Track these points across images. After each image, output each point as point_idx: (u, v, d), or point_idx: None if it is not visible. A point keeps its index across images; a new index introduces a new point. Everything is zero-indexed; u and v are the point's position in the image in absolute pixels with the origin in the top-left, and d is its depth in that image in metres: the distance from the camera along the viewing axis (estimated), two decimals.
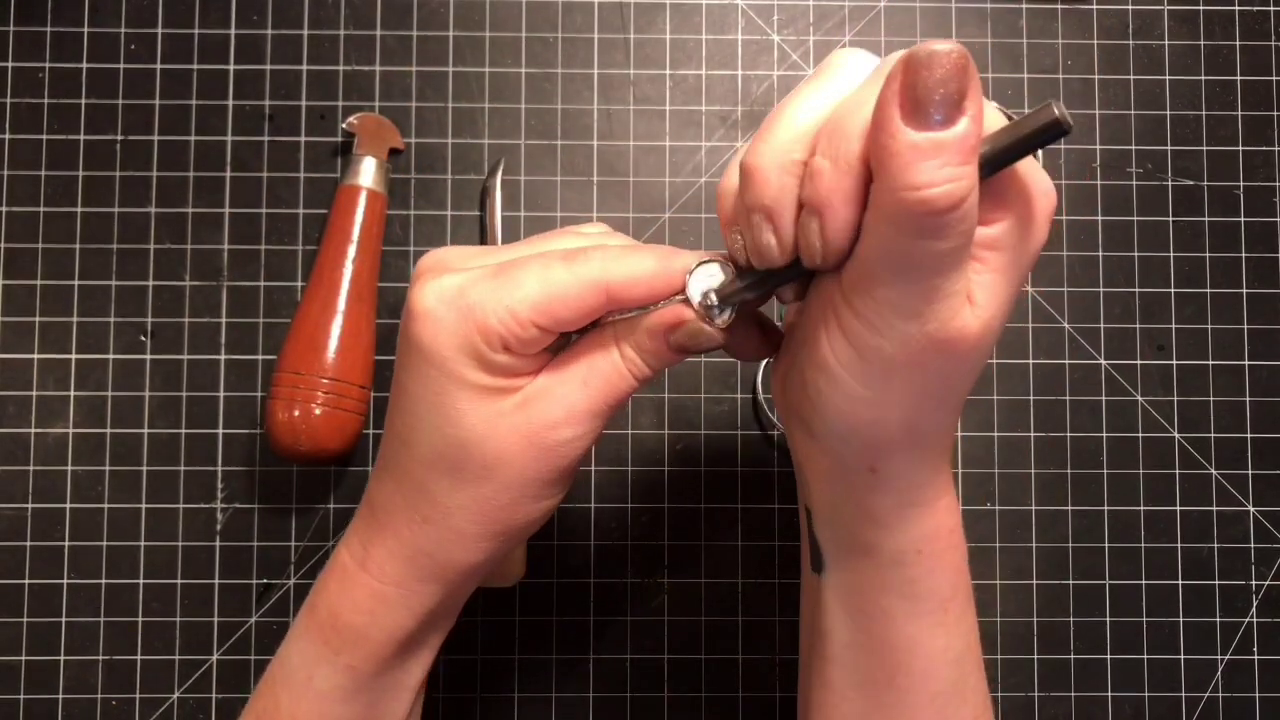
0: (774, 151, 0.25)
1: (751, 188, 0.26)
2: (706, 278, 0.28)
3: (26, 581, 0.42)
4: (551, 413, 0.28)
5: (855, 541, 0.30)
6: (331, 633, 0.30)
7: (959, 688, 0.30)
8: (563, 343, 0.29)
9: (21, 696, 0.42)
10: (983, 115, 0.23)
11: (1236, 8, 0.45)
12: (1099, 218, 0.44)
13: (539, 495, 0.29)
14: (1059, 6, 0.45)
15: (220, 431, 0.43)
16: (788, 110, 0.26)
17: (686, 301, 0.28)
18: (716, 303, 0.28)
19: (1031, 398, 0.43)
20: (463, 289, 0.27)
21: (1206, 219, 0.44)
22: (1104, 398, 0.43)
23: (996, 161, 0.24)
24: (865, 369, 0.26)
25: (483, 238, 0.43)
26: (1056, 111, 0.23)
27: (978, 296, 0.25)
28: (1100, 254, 0.44)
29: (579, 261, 0.27)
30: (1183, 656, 0.43)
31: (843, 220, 0.24)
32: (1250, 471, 0.43)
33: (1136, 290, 0.44)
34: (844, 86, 0.26)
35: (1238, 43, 0.45)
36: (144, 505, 0.42)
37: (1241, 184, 0.44)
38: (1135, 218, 0.44)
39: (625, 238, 0.31)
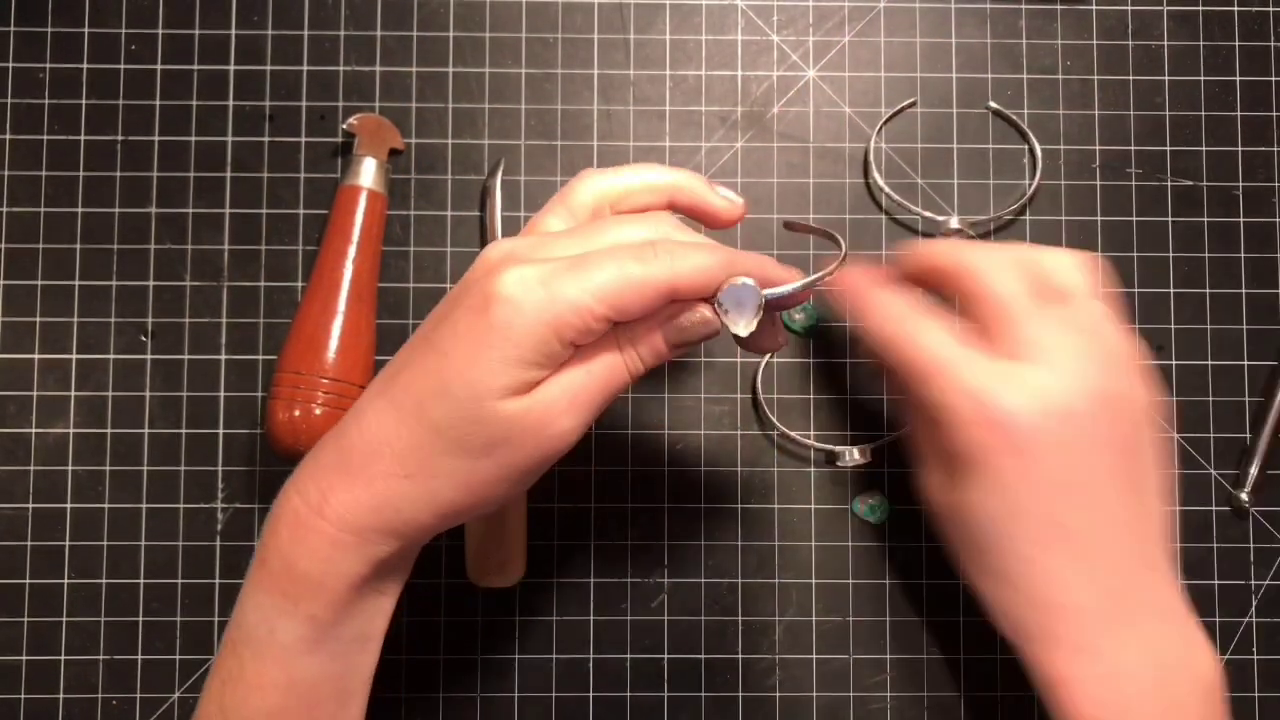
0: None
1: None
2: (736, 293, 0.30)
3: (27, 581, 0.42)
4: (558, 401, 0.29)
5: None
6: (288, 583, 0.30)
7: None
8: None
9: (22, 696, 0.42)
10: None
11: (1235, 8, 0.45)
12: (1098, 218, 0.44)
13: (520, 482, 0.30)
14: (1058, 7, 0.45)
15: (220, 431, 0.43)
16: None
17: (712, 305, 0.30)
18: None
19: None
20: (545, 279, 0.28)
21: (1205, 219, 0.44)
22: None
23: None
24: None
25: (483, 238, 0.43)
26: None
27: None
28: (1100, 254, 0.44)
29: (649, 260, 0.29)
30: None
31: None
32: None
33: (1136, 290, 0.44)
34: None
35: (1237, 43, 0.45)
36: (144, 505, 0.42)
37: (1240, 184, 0.44)
38: (1134, 218, 0.44)
39: (689, 231, 0.32)
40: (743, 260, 0.30)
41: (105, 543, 0.42)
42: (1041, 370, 0.33)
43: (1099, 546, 0.33)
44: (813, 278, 0.32)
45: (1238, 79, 0.45)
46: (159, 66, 0.44)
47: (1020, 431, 0.32)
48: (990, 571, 0.35)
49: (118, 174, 0.43)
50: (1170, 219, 0.44)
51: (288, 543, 0.30)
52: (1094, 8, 0.45)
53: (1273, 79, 0.45)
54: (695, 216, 0.35)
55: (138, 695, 0.42)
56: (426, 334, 0.30)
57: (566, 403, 0.29)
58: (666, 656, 0.42)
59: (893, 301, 0.36)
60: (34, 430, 0.43)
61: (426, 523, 0.30)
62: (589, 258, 0.29)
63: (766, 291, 0.30)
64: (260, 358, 0.43)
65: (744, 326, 0.30)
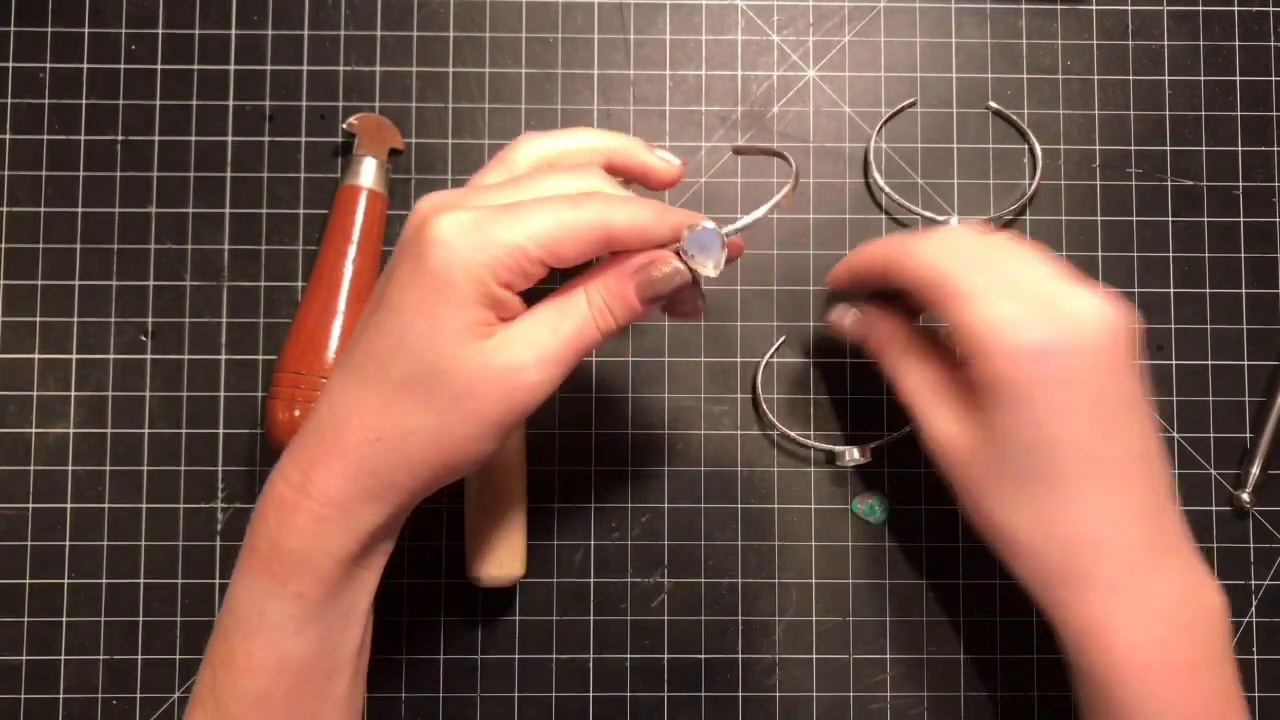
0: None
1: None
2: (701, 236, 0.31)
3: (27, 581, 0.42)
4: (523, 355, 0.29)
5: None
6: (275, 563, 0.30)
7: None
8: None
9: (22, 696, 0.42)
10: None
11: (1235, 8, 0.45)
12: (1098, 218, 0.44)
13: (490, 437, 0.30)
14: (1058, 7, 0.45)
15: (220, 431, 0.43)
16: None
17: (679, 254, 0.31)
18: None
19: None
20: (479, 222, 0.29)
21: (1206, 219, 0.44)
22: None
23: None
24: None
25: None
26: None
27: None
28: (1100, 254, 0.44)
29: (583, 206, 0.29)
30: None
31: None
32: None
33: (1136, 290, 0.44)
34: None
35: (1237, 43, 0.45)
36: (144, 505, 0.42)
37: (1241, 184, 0.44)
38: (1135, 218, 0.44)
39: (617, 185, 0.32)
40: (676, 212, 0.31)
41: (105, 543, 0.42)
42: (1074, 300, 0.32)
43: (1132, 479, 0.33)
44: (768, 205, 0.32)
45: (1238, 79, 0.45)
46: (159, 66, 0.44)
47: (1055, 361, 0.32)
48: (1019, 509, 0.34)
49: (118, 174, 0.43)
50: (1170, 219, 0.44)
51: (275, 525, 0.31)
52: (1094, 8, 0.45)
53: (1273, 79, 0.45)
54: (634, 177, 0.35)
55: (138, 695, 0.42)
56: (376, 300, 0.31)
57: (532, 358, 0.29)
58: (666, 656, 0.42)
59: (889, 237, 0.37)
60: (34, 430, 0.43)
61: (405, 483, 0.30)
62: (523, 203, 0.29)
63: (728, 228, 0.31)
64: (260, 358, 0.43)
65: (713, 267, 0.31)
